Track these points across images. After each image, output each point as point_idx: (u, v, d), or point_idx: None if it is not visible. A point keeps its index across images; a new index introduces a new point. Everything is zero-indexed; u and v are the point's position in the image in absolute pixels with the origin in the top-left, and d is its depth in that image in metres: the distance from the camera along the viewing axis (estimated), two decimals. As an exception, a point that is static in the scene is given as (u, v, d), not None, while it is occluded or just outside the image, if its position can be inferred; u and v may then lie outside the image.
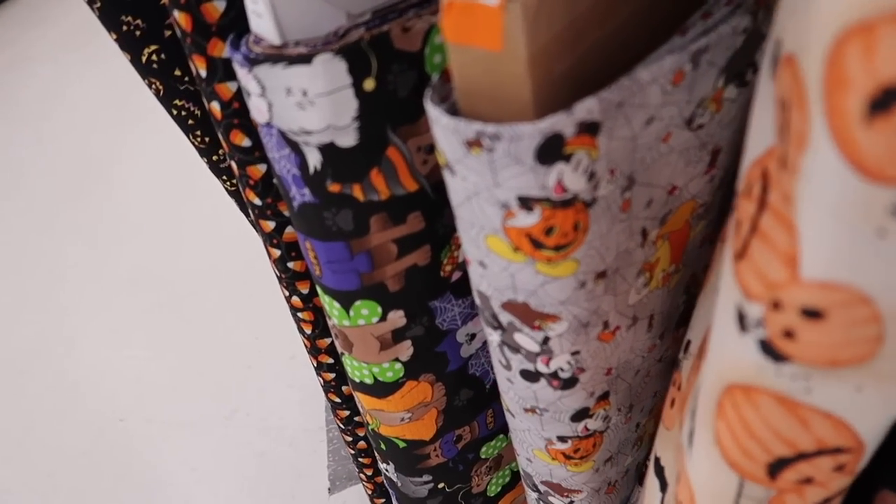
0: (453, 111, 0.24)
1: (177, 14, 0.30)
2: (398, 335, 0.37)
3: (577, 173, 0.23)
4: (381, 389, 0.39)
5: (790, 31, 0.16)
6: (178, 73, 0.39)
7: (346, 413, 0.52)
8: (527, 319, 0.29)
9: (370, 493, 0.62)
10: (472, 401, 0.44)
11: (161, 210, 1.62)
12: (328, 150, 0.28)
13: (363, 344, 0.37)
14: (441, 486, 0.48)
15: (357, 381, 0.40)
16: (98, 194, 1.66)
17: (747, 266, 0.19)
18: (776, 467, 0.21)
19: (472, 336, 0.40)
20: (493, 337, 0.32)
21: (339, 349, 0.39)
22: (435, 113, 0.23)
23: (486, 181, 0.24)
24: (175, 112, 0.41)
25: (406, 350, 0.38)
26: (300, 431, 1.09)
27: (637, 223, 0.29)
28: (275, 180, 0.34)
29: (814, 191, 0.15)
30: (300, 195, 0.30)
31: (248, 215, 0.49)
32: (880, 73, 0.13)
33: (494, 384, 0.45)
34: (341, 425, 0.54)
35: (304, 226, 0.32)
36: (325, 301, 0.36)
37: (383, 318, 0.36)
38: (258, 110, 0.28)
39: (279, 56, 0.26)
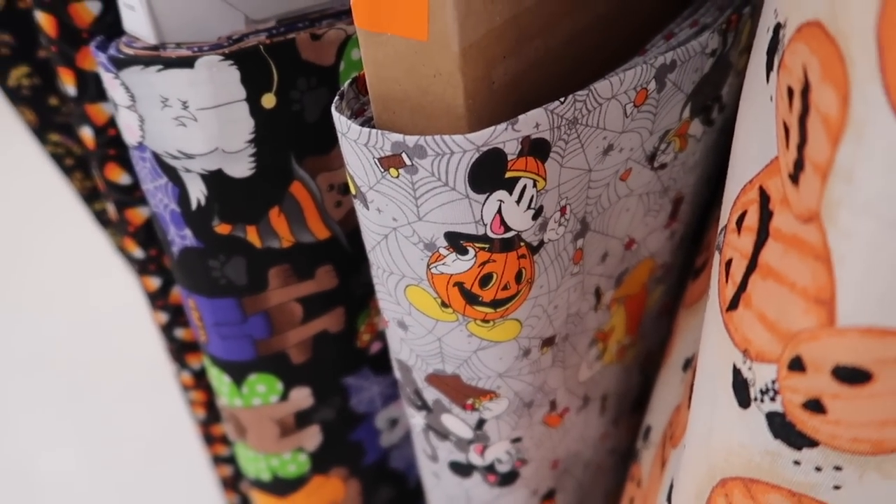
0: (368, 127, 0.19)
1: (40, 16, 0.25)
2: (303, 419, 0.30)
3: (520, 206, 0.19)
4: (281, 487, 0.32)
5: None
6: (54, 102, 0.33)
7: (246, 516, 0.44)
8: (457, 397, 0.23)
9: None
10: (395, 502, 0.37)
11: (66, 293, 1.50)
12: (215, 180, 0.23)
13: (259, 429, 0.30)
14: None
15: (252, 477, 0.33)
16: None
17: (747, 316, 0.14)
18: None
19: (395, 422, 0.34)
20: (417, 420, 0.26)
21: (232, 436, 0.32)
22: (342, 123, 0.18)
23: (407, 212, 0.19)
24: (51, 149, 0.35)
25: (313, 437, 0.31)
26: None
27: (591, 280, 0.24)
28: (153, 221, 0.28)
29: (861, 191, 0.10)
30: (180, 238, 0.24)
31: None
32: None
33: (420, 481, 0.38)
34: (240, 531, 0.46)
35: (187, 278, 0.26)
36: (213, 375, 0.29)
37: (284, 398, 0.29)
38: (128, 128, 0.23)
39: (153, 58, 0.21)
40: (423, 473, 0.29)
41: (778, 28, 0.14)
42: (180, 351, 0.35)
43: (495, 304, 0.20)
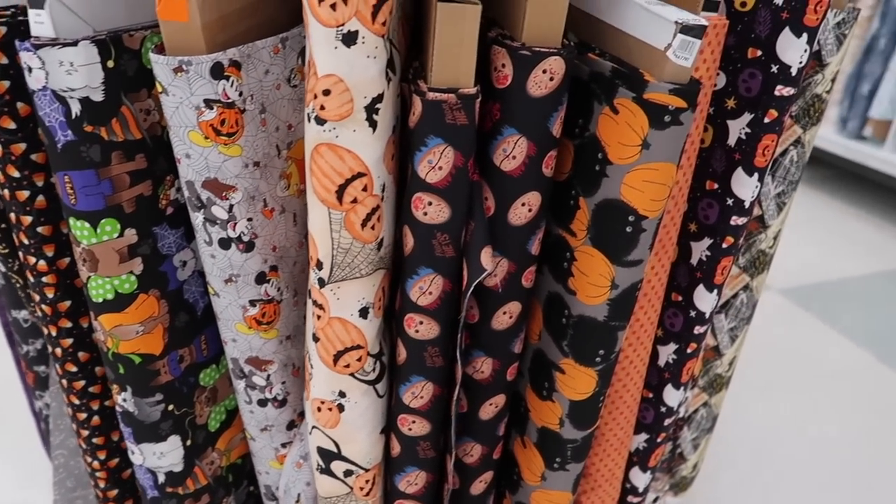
0: (164, 63, 0.47)
1: (-30, 34, 0.49)
2: (132, 251, 0.55)
3: (232, 88, 0.48)
4: (120, 303, 0.56)
5: None
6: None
7: (82, 384, 0.64)
8: (218, 192, 0.51)
9: (103, 486, 0.71)
10: (189, 324, 0.62)
11: None
12: (85, 102, 0.49)
13: (107, 258, 0.54)
14: (171, 408, 0.63)
15: (101, 301, 0.56)
16: None
17: (308, 97, 0.45)
18: (339, 193, 0.46)
19: (185, 263, 0.60)
20: (199, 218, 0.53)
21: (87, 273, 0.55)
22: (156, 57, 0.46)
23: (186, 93, 0.47)
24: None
25: (138, 265, 0.56)
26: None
27: (273, 138, 0.54)
28: (41, 134, 0.52)
29: (313, 39, 0.42)
30: (64, 137, 0.49)
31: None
32: (318, -12, 0.41)
33: (204, 312, 0.63)
34: (76, 402, 0.65)
35: (66, 161, 0.50)
36: (77, 227, 0.53)
37: (121, 235, 0.54)
38: (37, 80, 0.48)
39: (56, 42, 0.47)
40: (205, 258, 0.55)
41: (303, 11, 0.46)
42: (40, 243, 0.57)
43: (229, 135, 0.49)
